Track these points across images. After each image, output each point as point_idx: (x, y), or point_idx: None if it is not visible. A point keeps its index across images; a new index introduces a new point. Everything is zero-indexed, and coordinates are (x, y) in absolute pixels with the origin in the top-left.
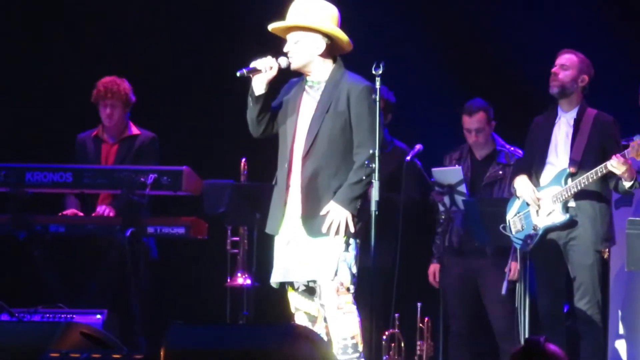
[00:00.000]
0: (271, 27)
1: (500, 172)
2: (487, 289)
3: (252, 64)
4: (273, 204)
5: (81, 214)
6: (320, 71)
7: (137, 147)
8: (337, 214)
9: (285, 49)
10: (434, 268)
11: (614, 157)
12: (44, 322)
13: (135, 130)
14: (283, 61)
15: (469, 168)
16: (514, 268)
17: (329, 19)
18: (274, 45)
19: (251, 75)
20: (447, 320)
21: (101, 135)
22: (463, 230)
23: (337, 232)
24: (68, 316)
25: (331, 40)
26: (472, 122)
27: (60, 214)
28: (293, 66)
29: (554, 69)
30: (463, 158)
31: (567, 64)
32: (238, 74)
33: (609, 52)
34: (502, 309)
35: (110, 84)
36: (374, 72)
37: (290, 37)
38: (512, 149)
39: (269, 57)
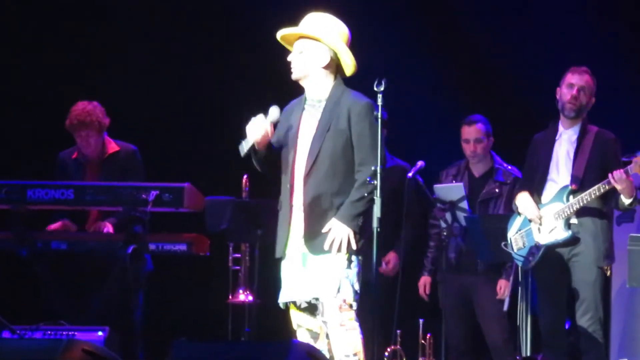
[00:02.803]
0: (280, 32)
1: (497, 190)
2: (480, 305)
3: (248, 139)
4: (279, 227)
5: (73, 226)
6: (320, 86)
7: (120, 164)
8: (339, 231)
9: (289, 58)
10: (424, 281)
11: (616, 171)
12: (45, 339)
13: (114, 146)
14: (273, 113)
15: (466, 185)
16: (503, 286)
17: (339, 36)
18: (276, 59)
19: (256, 145)
20: (446, 337)
21: (81, 159)
22: (465, 246)
23: (339, 250)
24: (70, 333)
25: (337, 58)
26: (471, 131)
27: (48, 227)
28: (294, 76)
29: (574, 92)
30: (460, 174)
31: (586, 88)
32: (243, 154)
33: (609, 68)
34: (496, 325)
35: (82, 116)
36: (375, 89)
37: (295, 47)
38: (509, 167)
39: (258, 119)
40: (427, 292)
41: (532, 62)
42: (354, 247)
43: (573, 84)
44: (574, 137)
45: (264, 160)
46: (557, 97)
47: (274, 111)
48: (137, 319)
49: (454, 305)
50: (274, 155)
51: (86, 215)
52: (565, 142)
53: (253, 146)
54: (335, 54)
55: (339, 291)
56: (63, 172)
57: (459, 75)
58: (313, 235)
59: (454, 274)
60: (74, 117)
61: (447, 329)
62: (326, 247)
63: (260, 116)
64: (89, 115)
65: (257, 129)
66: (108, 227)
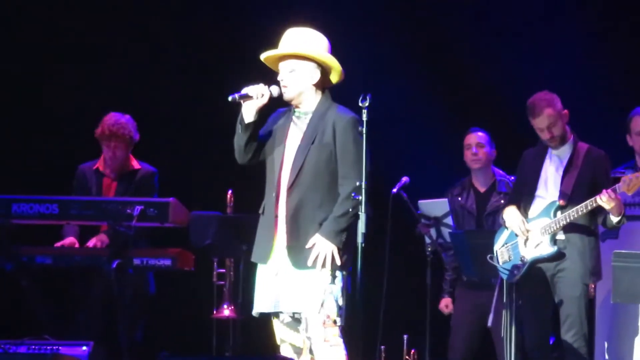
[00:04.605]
0: (264, 55)
1: (502, 202)
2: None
3: (244, 90)
4: (260, 233)
5: (77, 244)
6: (310, 102)
7: (137, 182)
8: (322, 247)
9: (279, 78)
10: (445, 302)
11: (604, 191)
12: (29, 354)
13: (136, 164)
14: (275, 90)
15: (473, 200)
16: None
17: (323, 49)
18: (263, 78)
19: (242, 102)
20: (448, 352)
21: (103, 170)
22: (448, 262)
23: (323, 265)
24: (54, 348)
25: (323, 70)
26: (473, 137)
27: (57, 244)
28: (286, 96)
29: (547, 136)
30: (465, 191)
31: (552, 121)
32: (229, 98)
33: (599, 83)
34: None
35: (115, 128)
36: (360, 104)
37: (284, 66)
38: (512, 178)
39: (261, 85)
40: (451, 311)
41: (523, 76)
42: (338, 262)
43: (542, 128)
44: (564, 155)
45: (247, 140)
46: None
47: (275, 88)
48: (123, 334)
49: (465, 322)
50: (257, 144)
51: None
52: (555, 160)
53: (244, 123)
54: (323, 68)
55: (322, 306)
56: (82, 184)
57: (445, 90)
58: (296, 249)
59: (473, 291)
60: (106, 128)
61: (451, 343)
62: (310, 263)
63: (262, 84)
64: (121, 127)
65: (256, 88)
66: (104, 240)
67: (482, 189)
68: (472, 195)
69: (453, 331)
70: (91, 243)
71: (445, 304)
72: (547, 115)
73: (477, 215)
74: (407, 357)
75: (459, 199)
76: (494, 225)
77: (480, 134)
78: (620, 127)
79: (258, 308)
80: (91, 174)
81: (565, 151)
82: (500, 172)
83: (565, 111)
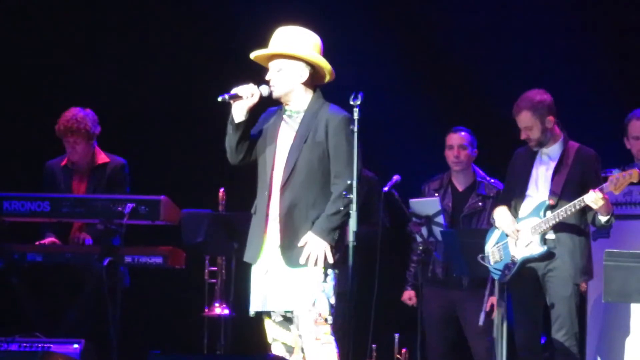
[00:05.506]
0: (254, 54)
1: (480, 204)
2: (466, 320)
3: (234, 90)
4: (252, 233)
5: (58, 242)
6: (300, 101)
7: (108, 175)
8: (315, 245)
9: (267, 77)
10: (408, 295)
11: (591, 191)
12: (21, 352)
13: (104, 157)
14: (264, 89)
15: (450, 199)
16: (490, 302)
17: (313, 47)
18: (254, 74)
19: (232, 102)
20: (426, 352)
21: (70, 166)
22: (442, 260)
23: (315, 263)
24: (45, 345)
25: (313, 69)
26: (455, 138)
27: (38, 242)
28: (275, 94)
29: (523, 136)
30: (443, 188)
31: (528, 124)
32: (219, 99)
33: (589, 82)
34: (482, 340)
35: (70, 122)
36: (352, 102)
37: (273, 65)
38: (492, 181)
39: (251, 84)
40: (414, 303)
41: (513, 73)
42: (330, 260)
43: (520, 128)
44: (555, 155)
45: (239, 140)
46: None
47: (265, 88)
48: (113, 332)
49: (437, 320)
50: (248, 143)
51: (69, 225)
52: (546, 159)
53: (235, 123)
54: (313, 67)
55: (314, 305)
56: (50, 180)
57: (436, 88)
58: (289, 248)
59: (440, 289)
60: (62, 123)
61: (428, 343)
62: (302, 261)
63: (251, 84)
64: (77, 122)
65: (246, 88)
66: (88, 239)
67: (460, 188)
68: (449, 193)
69: (427, 330)
70: (80, 238)
71: (409, 297)
72: (523, 117)
73: (452, 214)
74: (398, 355)
75: (436, 195)
76: (469, 227)
77: (462, 134)
78: (618, 129)
79: (252, 307)
80: (59, 171)
81: (556, 150)
82: (481, 172)
83: (550, 117)
